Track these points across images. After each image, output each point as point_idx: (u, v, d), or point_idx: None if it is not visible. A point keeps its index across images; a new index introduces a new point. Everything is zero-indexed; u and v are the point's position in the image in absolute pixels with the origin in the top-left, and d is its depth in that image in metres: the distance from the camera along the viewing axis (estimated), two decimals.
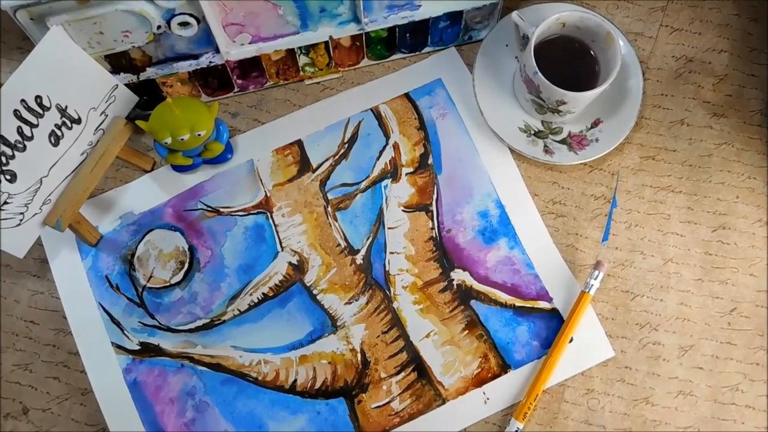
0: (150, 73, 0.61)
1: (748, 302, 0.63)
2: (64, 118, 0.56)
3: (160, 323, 0.63)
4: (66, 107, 0.55)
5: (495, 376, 0.61)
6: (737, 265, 0.63)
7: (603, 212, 0.65)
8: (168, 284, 0.63)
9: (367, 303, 0.63)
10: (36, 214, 0.57)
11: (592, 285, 0.61)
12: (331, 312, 0.63)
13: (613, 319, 0.63)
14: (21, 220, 0.56)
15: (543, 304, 0.63)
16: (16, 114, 0.52)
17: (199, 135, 0.58)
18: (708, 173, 0.65)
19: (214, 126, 0.60)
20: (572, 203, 0.65)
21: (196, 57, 0.61)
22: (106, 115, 0.59)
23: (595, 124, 0.65)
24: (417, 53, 0.68)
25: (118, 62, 0.59)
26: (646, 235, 0.65)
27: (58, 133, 0.56)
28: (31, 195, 0.55)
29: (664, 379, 0.62)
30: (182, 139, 0.58)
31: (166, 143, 0.58)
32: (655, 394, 0.62)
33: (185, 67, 0.61)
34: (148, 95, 0.63)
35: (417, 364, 0.62)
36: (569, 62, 0.62)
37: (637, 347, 0.62)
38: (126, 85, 0.61)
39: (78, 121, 0.57)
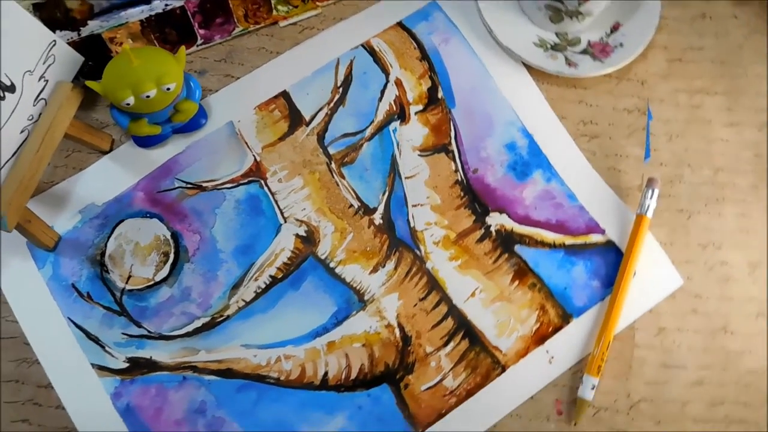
0: (93, 27, 0.50)
1: None
2: None
3: (149, 331, 0.51)
4: None
5: (557, 329, 0.52)
6: None
7: (639, 126, 0.57)
8: (152, 282, 0.52)
9: (395, 268, 0.53)
10: None
11: (649, 206, 0.53)
12: (354, 286, 0.52)
13: (672, 244, 0.55)
14: None
15: (596, 238, 0.54)
16: None
17: (168, 89, 0.47)
18: (742, 67, 0.59)
19: (183, 80, 0.49)
20: (605, 121, 0.57)
21: (147, 1, 0.50)
22: (47, 81, 0.47)
23: (614, 29, 0.57)
24: None
25: (51, 15, 0.48)
26: (690, 145, 0.57)
27: None
28: None
29: (738, 303, 0.54)
30: (148, 96, 0.47)
31: (128, 104, 0.47)
32: (732, 320, 0.54)
33: (136, 15, 0.50)
34: (95, 59, 0.52)
35: (466, 330, 0.52)
36: None
37: (703, 270, 0.55)
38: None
39: (11, 88, 0.45)
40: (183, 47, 0.48)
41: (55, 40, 0.47)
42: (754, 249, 0.55)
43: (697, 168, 0.57)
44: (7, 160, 0.46)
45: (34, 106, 0.47)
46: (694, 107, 0.58)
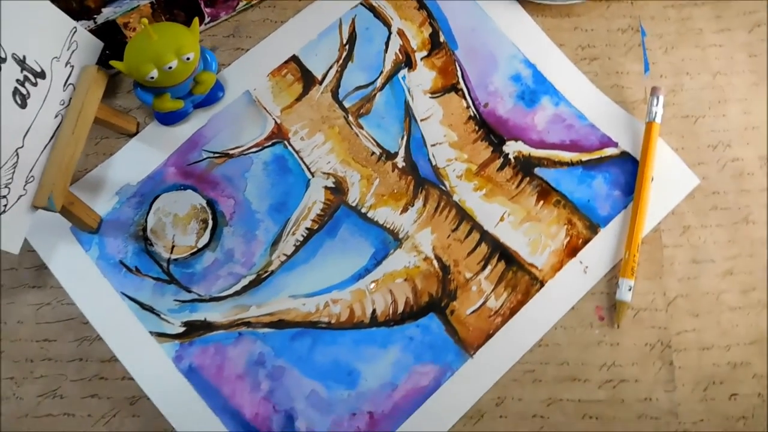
0: (107, 13, 0.52)
1: None
2: (25, 72, 0.46)
3: (199, 295, 0.53)
4: (24, 57, 0.46)
5: (586, 241, 0.54)
6: None
7: (635, 43, 0.60)
8: (196, 249, 0.54)
9: (424, 205, 0.55)
10: (21, 195, 0.46)
11: (656, 113, 0.56)
12: (388, 226, 0.55)
13: (683, 149, 0.57)
14: (5, 205, 0.45)
15: (610, 151, 0.56)
16: None
17: (188, 59, 0.50)
18: None
19: (200, 53, 0.52)
20: (601, 43, 0.60)
21: None
22: (72, 66, 0.50)
23: None
24: None
25: (67, 5, 0.50)
26: (685, 55, 0.60)
27: (23, 90, 0.46)
28: (9, 172, 0.45)
29: (756, 194, 0.56)
30: (170, 68, 0.49)
31: (152, 78, 0.49)
32: (753, 211, 0.56)
33: None
34: (111, 48, 0.54)
35: (501, 252, 0.54)
36: None
37: (717, 169, 0.57)
38: None
39: (42, 74, 0.47)
40: (196, 18, 0.50)
41: (75, 27, 0.49)
42: (762, 143, 0.57)
43: (696, 74, 0.59)
44: (46, 145, 0.48)
45: (63, 91, 0.49)
46: (684, 19, 0.60)
